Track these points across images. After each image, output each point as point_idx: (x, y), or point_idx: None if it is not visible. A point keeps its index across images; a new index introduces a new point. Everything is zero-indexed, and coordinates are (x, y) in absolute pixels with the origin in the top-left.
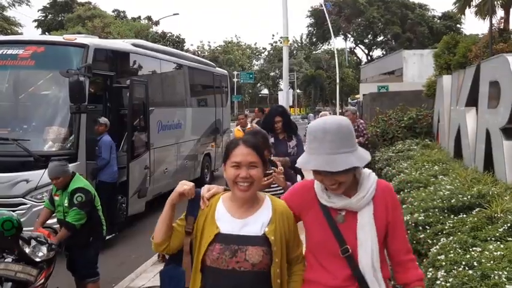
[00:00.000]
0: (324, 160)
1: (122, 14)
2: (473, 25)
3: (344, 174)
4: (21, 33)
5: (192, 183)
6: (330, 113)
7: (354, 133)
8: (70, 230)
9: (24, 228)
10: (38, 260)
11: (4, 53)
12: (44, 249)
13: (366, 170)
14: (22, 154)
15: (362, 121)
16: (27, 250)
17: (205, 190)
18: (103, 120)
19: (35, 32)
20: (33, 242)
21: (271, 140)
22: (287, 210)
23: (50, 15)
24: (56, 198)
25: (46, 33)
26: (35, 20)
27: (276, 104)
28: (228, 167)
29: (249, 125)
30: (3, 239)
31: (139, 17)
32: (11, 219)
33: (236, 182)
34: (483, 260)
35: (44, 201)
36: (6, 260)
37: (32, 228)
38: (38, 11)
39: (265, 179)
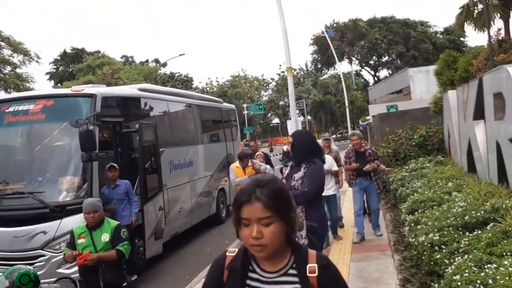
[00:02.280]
0: None
1: (130, 59)
2: (477, 37)
3: None
4: (32, 88)
5: None
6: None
7: (367, 158)
8: (119, 258)
9: (42, 280)
10: None
11: (16, 109)
12: None
13: None
14: (38, 206)
15: (369, 145)
16: None
17: None
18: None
19: (48, 84)
20: None
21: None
22: None
23: (61, 67)
24: (81, 240)
25: (58, 84)
26: (47, 73)
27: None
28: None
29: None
30: None
31: (147, 61)
32: (28, 273)
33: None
34: (498, 277)
35: (62, 251)
36: None
37: (50, 280)
38: (49, 64)
39: None
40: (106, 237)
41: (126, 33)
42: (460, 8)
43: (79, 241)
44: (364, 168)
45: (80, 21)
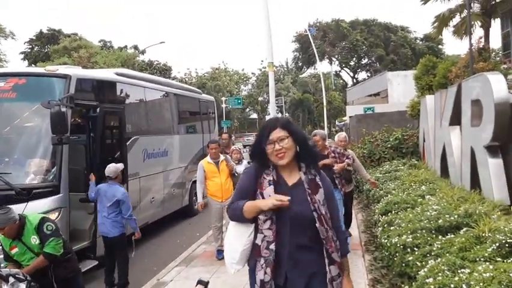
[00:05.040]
0: None
1: (108, 43)
2: (454, 45)
3: None
4: (6, 67)
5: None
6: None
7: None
8: (50, 261)
9: (1, 265)
10: None
11: None
12: (23, 286)
13: None
14: (3, 188)
15: (333, 147)
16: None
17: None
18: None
19: (22, 64)
20: (11, 279)
21: None
22: None
23: (36, 47)
24: (15, 250)
25: (33, 65)
26: (21, 52)
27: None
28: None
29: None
30: None
31: (126, 47)
32: None
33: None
34: (472, 282)
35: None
36: None
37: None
38: (24, 43)
39: None
40: (35, 239)
41: (105, 17)
42: (435, 17)
43: (13, 251)
44: (334, 168)
45: (80, 22)
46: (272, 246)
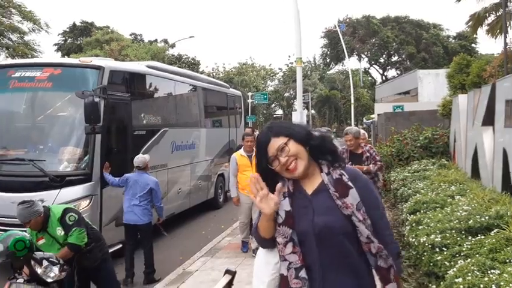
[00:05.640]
0: None
1: (139, 37)
2: (488, 44)
3: None
4: (41, 58)
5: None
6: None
7: (364, 162)
8: (75, 251)
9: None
10: (49, 280)
11: (22, 75)
12: (56, 269)
13: None
14: (38, 174)
15: (369, 146)
16: (39, 270)
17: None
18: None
19: (55, 55)
20: (45, 263)
21: None
22: None
23: (69, 39)
24: (42, 241)
25: (65, 56)
26: (55, 44)
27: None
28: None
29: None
30: (15, 259)
31: (156, 40)
32: (24, 239)
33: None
34: (502, 283)
35: None
36: (18, 281)
37: None
38: (58, 35)
39: None
40: (60, 231)
41: (137, 11)
42: (470, 16)
43: (39, 242)
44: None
45: (112, 15)
46: (303, 274)
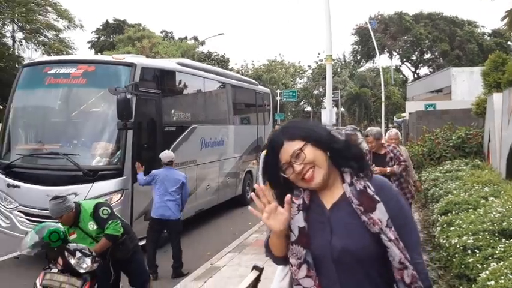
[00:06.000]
0: None
1: (169, 34)
2: None
3: None
4: (75, 55)
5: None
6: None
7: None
8: (113, 241)
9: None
10: (82, 271)
11: (58, 72)
12: (89, 261)
13: None
14: (72, 168)
15: (392, 146)
16: (72, 261)
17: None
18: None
19: (89, 52)
20: (78, 254)
21: None
22: None
23: (102, 37)
24: (73, 236)
25: (99, 53)
26: (88, 41)
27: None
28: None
29: None
30: (49, 250)
31: (186, 37)
32: (58, 230)
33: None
34: None
35: None
36: (52, 271)
37: None
38: (91, 33)
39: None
40: (92, 225)
41: (168, 8)
42: (506, 12)
43: (71, 237)
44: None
45: (143, 12)
46: None
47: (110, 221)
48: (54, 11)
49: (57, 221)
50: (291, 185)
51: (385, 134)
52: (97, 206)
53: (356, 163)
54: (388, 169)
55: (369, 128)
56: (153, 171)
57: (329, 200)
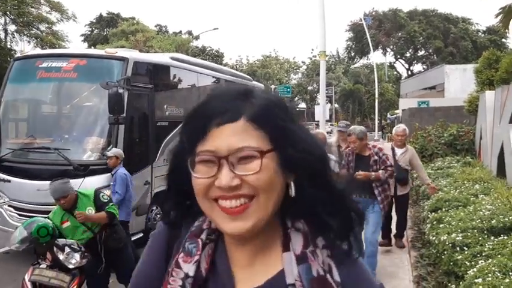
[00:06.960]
0: None
1: (164, 28)
2: None
3: None
4: (68, 48)
5: None
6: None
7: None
8: (110, 219)
9: None
10: (71, 266)
11: (49, 65)
12: (78, 256)
13: None
14: (62, 163)
15: (377, 148)
16: (61, 257)
17: None
18: (112, 152)
19: (82, 45)
20: (67, 249)
21: None
22: None
23: (96, 30)
24: (66, 224)
25: (92, 47)
26: (82, 35)
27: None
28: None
29: None
30: (38, 245)
31: (180, 32)
32: (46, 226)
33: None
34: None
35: None
36: (40, 266)
37: None
38: (84, 26)
39: None
40: (91, 210)
41: (162, 2)
42: (500, 9)
43: (64, 225)
44: (357, 174)
45: (137, 6)
46: None
47: (111, 204)
48: (46, 3)
49: (47, 215)
50: (190, 209)
51: (380, 131)
52: (96, 192)
53: (342, 223)
54: (373, 174)
55: (352, 127)
56: (123, 173)
57: (247, 278)
